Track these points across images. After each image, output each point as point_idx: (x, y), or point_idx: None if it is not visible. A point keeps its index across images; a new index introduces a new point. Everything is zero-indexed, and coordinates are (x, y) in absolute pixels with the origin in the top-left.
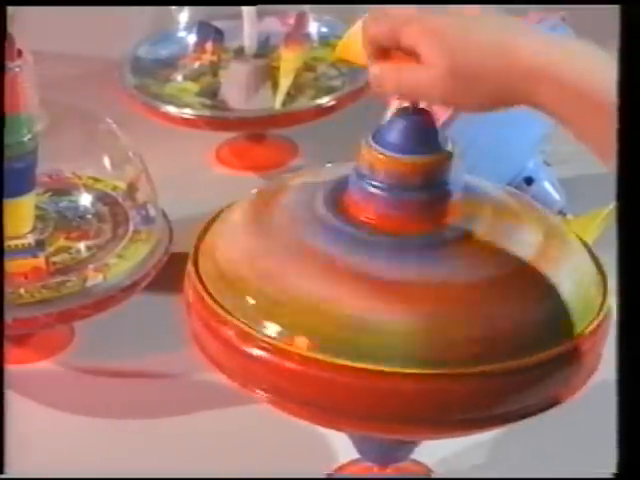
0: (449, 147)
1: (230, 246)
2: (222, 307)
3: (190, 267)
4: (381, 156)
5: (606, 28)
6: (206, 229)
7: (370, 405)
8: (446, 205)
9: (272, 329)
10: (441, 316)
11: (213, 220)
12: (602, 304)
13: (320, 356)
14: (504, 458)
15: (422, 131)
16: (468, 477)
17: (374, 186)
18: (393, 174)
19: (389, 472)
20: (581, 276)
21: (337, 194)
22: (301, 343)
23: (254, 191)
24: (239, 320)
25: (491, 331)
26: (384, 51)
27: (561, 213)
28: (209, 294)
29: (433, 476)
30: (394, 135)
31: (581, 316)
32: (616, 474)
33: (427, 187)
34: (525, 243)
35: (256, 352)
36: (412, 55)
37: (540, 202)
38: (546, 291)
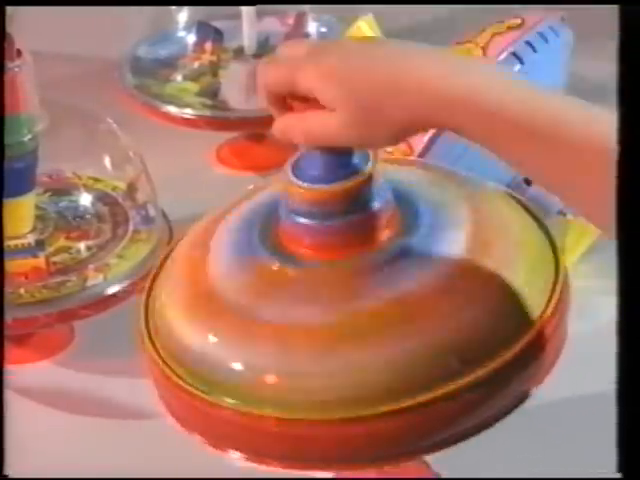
0: (369, 166)
1: (171, 311)
2: (176, 374)
3: (142, 329)
4: (302, 190)
5: (606, 28)
6: (155, 276)
7: (338, 451)
8: (377, 224)
9: (235, 400)
10: (379, 350)
11: (157, 274)
12: (555, 279)
13: (291, 416)
14: (504, 458)
15: (337, 158)
16: (468, 477)
17: (303, 218)
18: (317, 204)
19: (389, 472)
20: (526, 258)
21: (271, 229)
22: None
23: (189, 233)
24: (198, 389)
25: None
26: (283, 98)
27: (561, 213)
28: (163, 360)
29: (433, 476)
30: (312, 167)
31: (537, 299)
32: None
33: (354, 210)
34: (459, 243)
35: (224, 416)
36: (311, 100)
37: (539, 202)
38: (492, 289)
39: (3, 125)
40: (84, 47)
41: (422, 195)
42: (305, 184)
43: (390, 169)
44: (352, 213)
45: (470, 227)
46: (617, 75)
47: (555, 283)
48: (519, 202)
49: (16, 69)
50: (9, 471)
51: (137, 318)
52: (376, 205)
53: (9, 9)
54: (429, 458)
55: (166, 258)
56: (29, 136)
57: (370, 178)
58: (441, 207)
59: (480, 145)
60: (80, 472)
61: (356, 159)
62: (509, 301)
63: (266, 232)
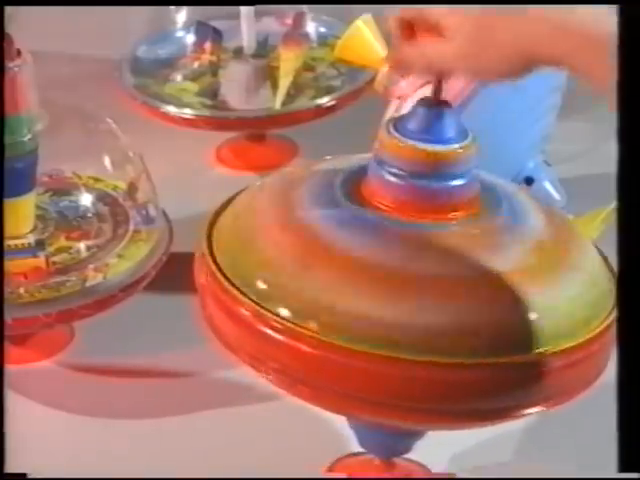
0: (469, 139)
1: (246, 230)
2: (237, 288)
3: (204, 248)
4: (401, 144)
5: None
6: (220, 210)
7: (382, 391)
8: (463, 197)
9: (286, 312)
10: (451, 308)
11: (228, 202)
12: (612, 308)
13: (334, 340)
14: (503, 458)
15: (442, 121)
16: (467, 477)
17: (392, 174)
18: (412, 162)
19: (389, 474)
20: (589, 276)
21: (355, 181)
22: (315, 327)
23: (274, 175)
24: (251, 299)
25: (501, 325)
26: (410, 32)
27: None
28: (223, 275)
29: (434, 476)
30: (414, 124)
31: (592, 313)
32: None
33: (445, 177)
34: (536, 242)
35: (270, 332)
36: (436, 31)
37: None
38: (555, 288)
39: (3, 125)
40: (84, 47)
41: (503, 191)
42: (407, 140)
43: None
44: (444, 179)
45: (545, 229)
46: (617, 75)
47: (612, 309)
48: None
49: (16, 69)
50: (9, 470)
51: (199, 233)
52: (467, 178)
53: (9, 9)
54: (429, 458)
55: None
56: (29, 136)
57: (469, 149)
58: (521, 206)
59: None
60: (80, 472)
61: (460, 129)
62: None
63: (348, 185)
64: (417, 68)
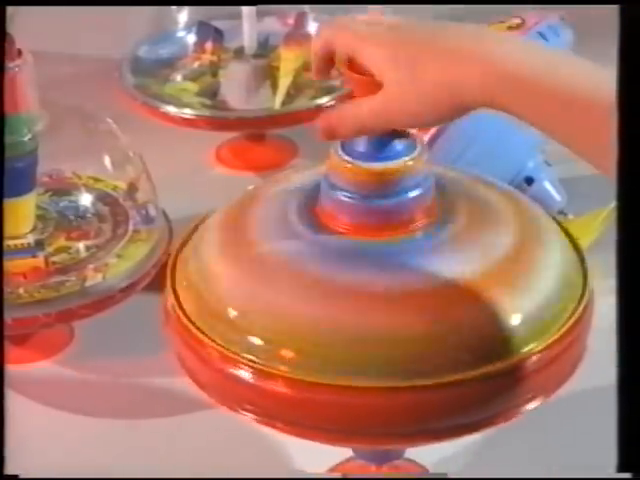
0: (417, 151)
1: (204, 268)
2: (201, 331)
3: (167, 286)
4: (349, 165)
5: (606, 28)
6: (180, 249)
7: (349, 421)
8: (419, 209)
9: (253, 351)
10: (420, 326)
11: (186, 241)
12: (582, 295)
13: (301, 376)
14: (503, 458)
15: (388, 138)
16: (467, 477)
17: (345, 195)
18: (362, 183)
19: (387, 471)
20: (557, 270)
21: (309, 204)
22: (284, 365)
23: (228, 203)
24: (216, 342)
25: (473, 335)
26: (328, 66)
27: (561, 213)
28: (185, 314)
29: (432, 476)
30: (361, 144)
31: (563, 306)
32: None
33: (397, 193)
34: (499, 244)
35: (238, 373)
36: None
37: (540, 202)
38: (521, 291)
39: (3, 125)
40: (84, 47)
41: (464, 192)
42: (352, 160)
43: (438, 169)
44: (397, 195)
45: (509, 226)
46: (617, 75)
47: (582, 297)
48: (559, 224)
49: (16, 69)
50: (9, 470)
51: (165, 276)
52: (422, 190)
53: (9, 9)
54: (427, 458)
55: (191, 234)
56: (29, 136)
57: (417, 162)
58: (482, 205)
59: (507, 112)
60: (80, 472)
61: (407, 142)
62: (534, 304)
63: (303, 210)
64: (348, 128)
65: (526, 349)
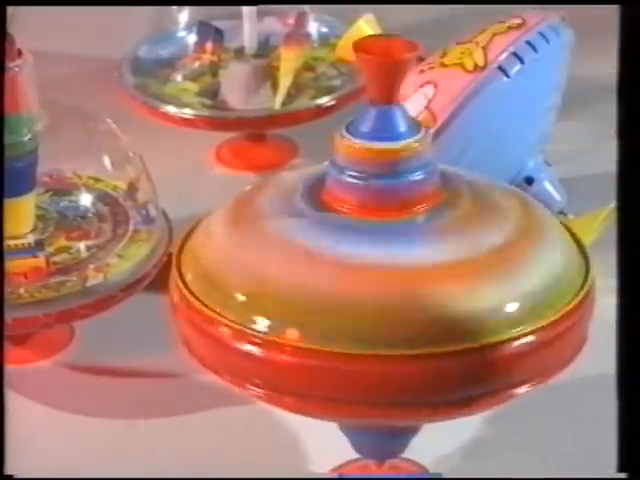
0: (422, 133)
1: (212, 246)
2: (208, 307)
3: (173, 271)
4: (353, 144)
5: (606, 28)
6: (188, 234)
7: (362, 390)
8: (421, 192)
9: (261, 324)
10: (413, 298)
11: (195, 225)
12: (584, 283)
13: (310, 345)
14: (502, 458)
15: (392, 118)
16: (467, 477)
17: (350, 176)
18: (365, 161)
19: (387, 471)
20: (552, 266)
21: (315, 187)
22: (292, 334)
23: (235, 195)
24: (226, 318)
25: (465, 312)
26: None
27: (561, 213)
28: (193, 295)
29: (430, 476)
30: (366, 124)
31: (557, 298)
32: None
33: (400, 174)
34: (498, 231)
35: (247, 348)
36: None
37: (540, 202)
38: (518, 275)
39: (3, 125)
40: (84, 47)
41: (467, 185)
42: (356, 140)
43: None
44: (401, 176)
45: (510, 217)
46: (617, 75)
47: (582, 286)
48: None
49: (16, 69)
50: (9, 470)
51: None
52: (420, 174)
53: (10, 9)
54: (426, 458)
55: (197, 224)
56: (29, 136)
57: (422, 143)
58: (484, 197)
59: None
60: (80, 472)
61: (413, 123)
62: (531, 288)
63: (309, 192)
64: None
65: (519, 330)
